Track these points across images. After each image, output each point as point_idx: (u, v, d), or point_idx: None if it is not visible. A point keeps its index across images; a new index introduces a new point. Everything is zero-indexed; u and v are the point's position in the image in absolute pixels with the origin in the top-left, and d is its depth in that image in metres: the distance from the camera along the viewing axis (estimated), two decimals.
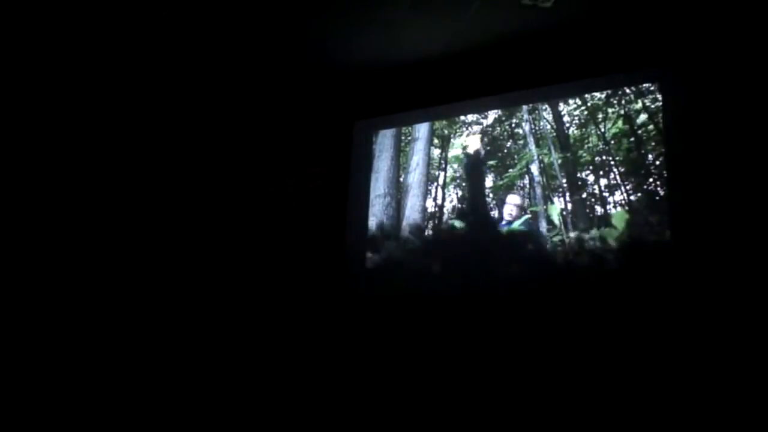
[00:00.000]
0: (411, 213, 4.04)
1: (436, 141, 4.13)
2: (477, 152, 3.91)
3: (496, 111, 3.91)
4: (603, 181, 3.43)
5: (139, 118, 4.16)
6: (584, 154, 3.53)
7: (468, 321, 3.58)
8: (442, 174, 4.03)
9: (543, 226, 3.52)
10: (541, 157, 3.65)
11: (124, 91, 4.09)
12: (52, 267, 3.64)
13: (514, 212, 3.65)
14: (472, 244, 3.75)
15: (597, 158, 3.48)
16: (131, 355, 3.77)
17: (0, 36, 3.49)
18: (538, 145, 3.69)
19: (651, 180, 3.29)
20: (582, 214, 3.43)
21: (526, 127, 3.78)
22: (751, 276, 2.89)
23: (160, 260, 4.05)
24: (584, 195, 3.46)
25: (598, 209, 3.40)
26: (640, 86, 3.42)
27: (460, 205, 3.89)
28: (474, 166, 3.90)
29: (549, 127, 3.70)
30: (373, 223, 4.14)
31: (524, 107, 3.80)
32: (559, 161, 3.58)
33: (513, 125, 3.84)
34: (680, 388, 2.90)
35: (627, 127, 3.42)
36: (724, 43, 3.18)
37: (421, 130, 4.19)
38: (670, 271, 3.09)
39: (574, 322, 3.27)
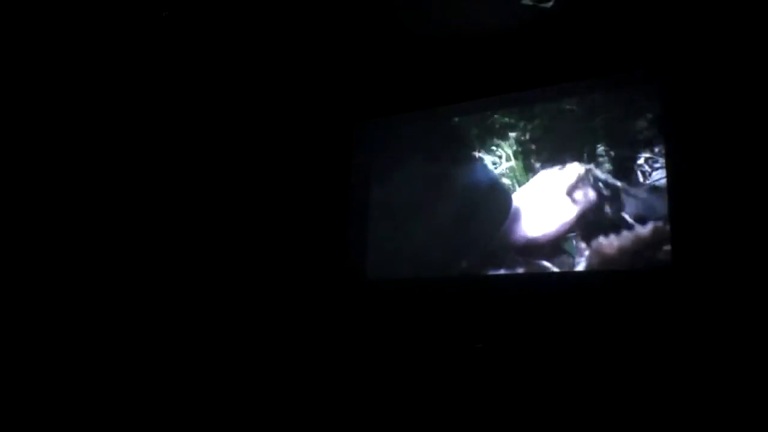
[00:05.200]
0: None
1: None
2: None
3: None
4: None
5: (138, 118, 4.15)
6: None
7: (468, 323, 3.58)
8: None
9: None
10: None
11: (124, 91, 4.09)
12: (51, 266, 3.64)
13: None
14: None
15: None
16: (130, 353, 3.76)
17: (0, 36, 3.49)
18: None
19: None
20: None
21: None
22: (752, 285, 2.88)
23: (160, 261, 4.04)
24: None
25: None
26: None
27: None
28: None
29: None
30: None
31: None
32: None
33: None
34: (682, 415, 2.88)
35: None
36: (726, 44, 3.18)
37: None
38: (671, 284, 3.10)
39: (575, 333, 3.27)
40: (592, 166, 3.46)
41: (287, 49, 3.85)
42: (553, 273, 3.45)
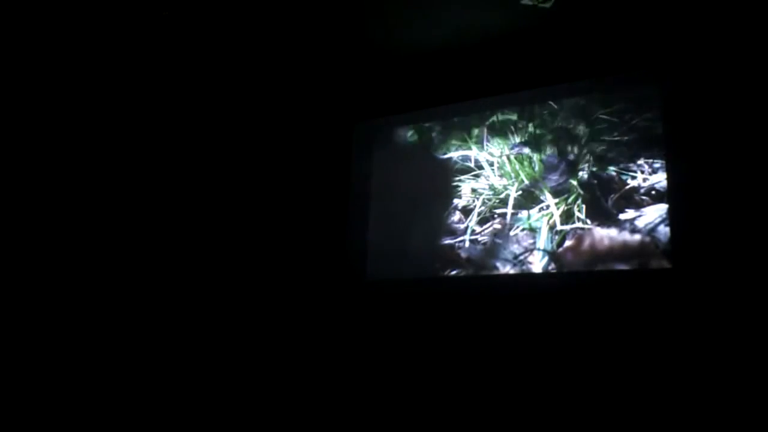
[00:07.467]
0: None
1: None
2: None
3: None
4: None
5: (137, 119, 4.15)
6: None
7: (468, 323, 3.59)
8: None
9: None
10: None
11: (123, 92, 4.09)
12: (51, 267, 3.64)
13: None
14: None
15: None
16: (131, 355, 3.77)
17: (0, 35, 3.49)
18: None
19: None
20: None
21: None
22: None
23: (159, 262, 4.05)
24: None
25: None
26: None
27: None
28: None
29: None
30: None
31: None
32: None
33: None
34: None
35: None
36: (726, 45, 3.17)
37: None
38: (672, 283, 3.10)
39: (575, 336, 3.27)
40: (590, 167, 3.46)
41: (287, 50, 3.85)
42: (554, 273, 3.45)
